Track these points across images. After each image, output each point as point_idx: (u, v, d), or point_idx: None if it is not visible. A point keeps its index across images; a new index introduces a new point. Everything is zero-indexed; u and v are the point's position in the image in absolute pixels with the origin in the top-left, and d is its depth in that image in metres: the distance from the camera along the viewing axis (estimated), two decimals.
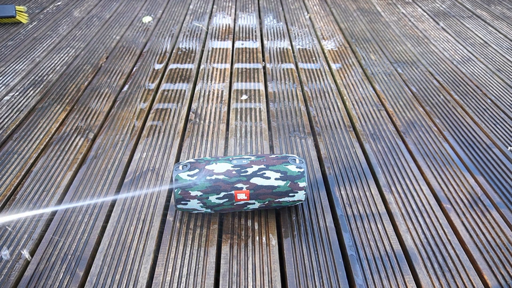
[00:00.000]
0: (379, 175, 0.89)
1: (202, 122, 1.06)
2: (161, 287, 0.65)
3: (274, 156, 0.75)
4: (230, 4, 1.90)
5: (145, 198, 0.82)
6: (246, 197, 0.71)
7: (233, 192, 0.70)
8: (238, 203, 0.72)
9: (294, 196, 0.73)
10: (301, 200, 0.75)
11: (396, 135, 1.02)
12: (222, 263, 0.69)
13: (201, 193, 0.70)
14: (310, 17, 1.77)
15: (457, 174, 0.89)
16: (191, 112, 1.11)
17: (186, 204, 0.72)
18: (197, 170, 0.71)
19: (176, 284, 0.65)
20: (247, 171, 0.71)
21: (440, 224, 0.77)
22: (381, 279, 0.67)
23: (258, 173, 0.71)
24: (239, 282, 0.66)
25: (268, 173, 0.72)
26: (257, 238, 0.74)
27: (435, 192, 0.85)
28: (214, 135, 1.01)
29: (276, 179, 0.72)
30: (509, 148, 0.98)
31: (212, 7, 1.87)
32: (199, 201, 0.71)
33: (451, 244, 0.73)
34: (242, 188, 0.71)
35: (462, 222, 0.78)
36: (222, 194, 0.70)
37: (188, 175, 0.71)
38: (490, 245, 0.73)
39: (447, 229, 0.76)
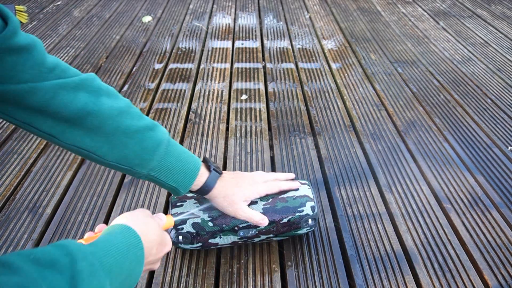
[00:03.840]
0: (379, 175, 0.89)
1: (202, 122, 1.06)
2: (161, 287, 0.65)
3: (286, 220, 0.65)
4: (230, 4, 1.90)
5: (145, 198, 0.82)
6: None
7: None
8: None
9: (298, 189, 0.68)
10: (310, 198, 0.68)
11: (396, 135, 1.02)
12: (222, 263, 0.69)
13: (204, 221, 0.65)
14: (310, 17, 1.77)
15: (457, 174, 0.89)
16: (191, 112, 1.11)
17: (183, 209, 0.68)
18: (200, 244, 0.66)
19: (176, 284, 0.65)
20: (254, 240, 0.68)
21: (440, 224, 0.77)
22: (381, 279, 0.67)
23: (265, 240, 0.69)
24: (239, 282, 0.66)
25: (275, 239, 0.69)
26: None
27: (435, 192, 0.85)
28: (214, 135, 1.01)
29: (282, 239, 0.71)
30: (509, 148, 0.97)
31: (212, 7, 1.87)
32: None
33: (451, 244, 0.73)
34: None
35: (462, 222, 0.78)
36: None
37: (190, 247, 0.66)
38: (490, 245, 0.73)
39: (447, 229, 0.76)
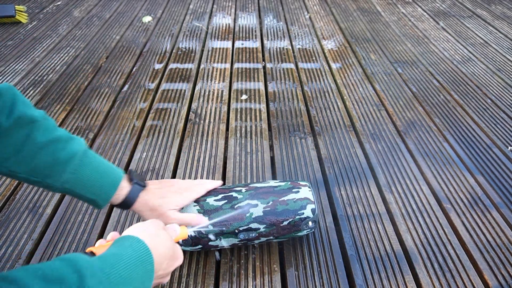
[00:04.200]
0: (379, 175, 0.89)
1: (202, 122, 1.06)
2: (161, 287, 0.65)
3: (287, 223, 0.65)
4: (230, 4, 1.90)
5: None
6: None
7: (231, 193, 0.66)
8: (240, 204, 0.66)
9: (298, 192, 0.67)
10: (310, 200, 0.67)
11: (396, 135, 1.02)
12: (222, 263, 0.69)
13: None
14: (310, 17, 1.77)
15: (457, 174, 0.89)
16: (191, 112, 1.11)
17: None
18: (200, 246, 0.66)
19: (176, 284, 0.65)
20: (254, 242, 0.67)
21: (440, 224, 0.77)
22: (381, 279, 0.67)
23: (266, 242, 0.69)
24: (239, 282, 0.66)
25: (275, 240, 0.69)
26: None
27: (435, 192, 0.85)
28: (214, 135, 1.01)
29: (275, 182, 0.69)
30: (509, 148, 0.97)
31: (212, 7, 1.87)
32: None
33: (451, 244, 0.73)
34: (240, 190, 0.67)
35: (462, 222, 0.78)
36: (220, 196, 0.66)
37: (190, 249, 0.67)
38: (490, 245, 0.73)
39: (447, 229, 0.76)
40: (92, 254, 0.40)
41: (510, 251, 0.72)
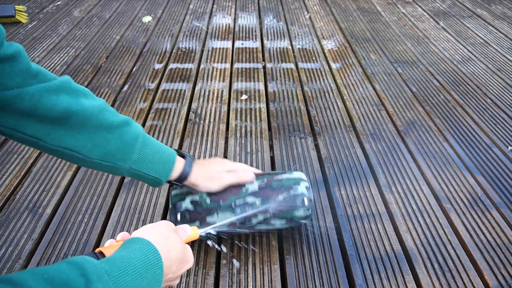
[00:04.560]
0: (379, 175, 0.89)
1: (202, 122, 1.06)
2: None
3: (282, 198, 0.66)
4: (230, 4, 1.90)
5: (145, 198, 0.82)
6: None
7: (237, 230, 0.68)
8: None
9: (292, 173, 0.71)
10: (303, 179, 0.69)
11: (396, 135, 1.02)
12: (222, 263, 0.69)
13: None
14: (310, 17, 1.77)
15: (457, 174, 0.89)
16: (191, 112, 1.10)
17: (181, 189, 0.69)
18: (198, 223, 0.66)
19: (176, 284, 0.65)
20: (251, 221, 0.67)
21: (440, 224, 0.77)
22: (381, 279, 0.67)
23: (263, 221, 0.68)
24: (239, 282, 0.66)
25: (273, 221, 0.68)
26: (257, 238, 0.74)
27: (435, 192, 0.85)
28: (214, 135, 1.01)
29: (280, 224, 0.68)
30: (509, 148, 0.97)
31: (212, 7, 1.87)
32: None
33: (451, 244, 0.73)
34: (246, 231, 0.70)
35: (462, 222, 0.78)
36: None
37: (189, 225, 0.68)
38: (491, 245, 0.73)
39: (447, 229, 0.76)
40: (102, 254, 0.40)
41: (510, 251, 0.72)
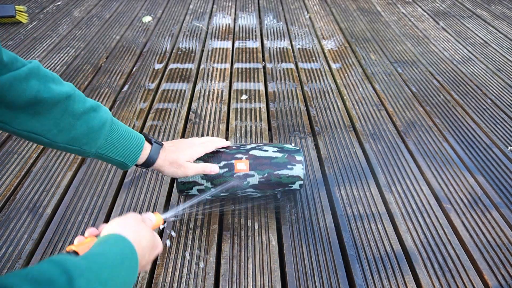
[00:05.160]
0: (379, 175, 0.89)
1: (202, 122, 1.06)
2: (161, 287, 0.65)
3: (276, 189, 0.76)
4: (230, 4, 1.90)
5: (145, 198, 0.82)
6: (245, 167, 0.72)
7: (233, 161, 0.72)
8: (238, 174, 0.72)
9: (292, 169, 0.73)
10: (300, 178, 0.74)
11: (396, 135, 1.02)
12: (222, 263, 0.69)
13: (202, 161, 0.72)
14: (310, 17, 1.77)
15: (457, 174, 0.89)
16: (191, 112, 1.11)
17: (188, 178, 0.73)
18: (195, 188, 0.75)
19: (176, 284, 0.65)
20: (246, 147, 0.76)
21: (440, 224, 0.77)
22: (381, 279, 0.67)
23: (256, 147, 0.75)
24: (239, 282, 0.66)
25: (265, 147, 0.76)
26: (257, 238, 0.74)
27: (435, 192, 0.85)
28: (214, 135, 1.01)
29: (273, 151, 0.75)
30: (509, 148, 0.98)
31: (212, 7, 1.87)
32: (199, 186, 0.74)
33: (451, 244, 0.73)
34: (241, 158, 0.73)
35: (462, 222, 0.78)
36: (222, 163, 0.72)
37: (185, 194, 0.76)
38: (490, 245, 0.73)
39: (447, 229, 0.76)
40: (75, 252, 0.41)
41: (510, 251, 0.72)
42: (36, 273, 0.31)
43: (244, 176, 0.72)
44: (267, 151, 0.75)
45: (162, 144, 0.66)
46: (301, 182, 0.74)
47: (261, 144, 0.77)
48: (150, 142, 0.64)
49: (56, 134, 0.53)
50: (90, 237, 0.45)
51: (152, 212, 0.62)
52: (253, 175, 0.72)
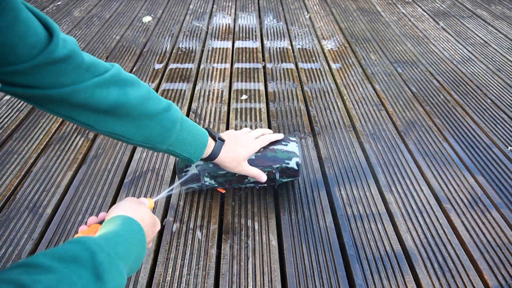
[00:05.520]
0: (379, 175, 0.89)
1: (202, 122, 1.06)
2: (161, 287, 0.65)
3: (273, 167, 0.78)
4: (230, 4, 1.90)
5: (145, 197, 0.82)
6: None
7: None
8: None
9: (287, 145, 0.78)
10: (296, 155, 0.77)
11: (396, 135, 1.02)
12: (222, 263, 0.69)
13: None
14: (310, 17, 1.77)
15: (457, 174, 0.89)
16: (191, 112, 1.11)
17: (188, 171, 0.76)
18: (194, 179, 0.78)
19: (176, 284, 0.65)
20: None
21: (440, 224, 0.77)
22: (381, 279, 0.67)
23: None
24: (239, 282, 0.66)
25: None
26: (257, 238, 0.74)
27: (435, 192, 0.85)
28: None
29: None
30: (509, 148, 0.98)
31: (212, 7, 1.87)
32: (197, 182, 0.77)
33: (451, 244, 0.73)
34: None
35: (462, 222, 0.78)
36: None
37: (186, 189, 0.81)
38: (490, 245, 0.73)
39: (447, 229, 0.76)
40: None
41: (510, 251, 0.72)
42: (62, 252, 0.35)
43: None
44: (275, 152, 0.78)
45: (224, 140, 0.71)
46: (298, 160, 0.77)
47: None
48: (214, 138, 0.69)
49: (134, 133, 0.57)
50: (93, 224, 0.50)
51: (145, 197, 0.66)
52: (251, 157, 0.76)
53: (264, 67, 1.35)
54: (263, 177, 0.75)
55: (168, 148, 0.62)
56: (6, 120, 1.06)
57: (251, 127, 1.04)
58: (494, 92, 1.20)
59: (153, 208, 0.76)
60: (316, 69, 1.34)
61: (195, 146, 0.65)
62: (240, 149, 0.72)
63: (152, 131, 0.59)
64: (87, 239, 0.38)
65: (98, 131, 0.55)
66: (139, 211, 0.50)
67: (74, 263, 0.34)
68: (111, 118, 0.54)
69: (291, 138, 0.80)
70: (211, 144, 0.68)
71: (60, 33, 0.45)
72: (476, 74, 1.30)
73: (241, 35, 1.59)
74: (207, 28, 1.64)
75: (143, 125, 0.57)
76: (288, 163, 0.77)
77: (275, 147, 0.77)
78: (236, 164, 0.71)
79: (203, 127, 1.04)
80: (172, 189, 0.81)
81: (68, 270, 0.33)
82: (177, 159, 0.76)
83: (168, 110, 0.60)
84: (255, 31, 1.62)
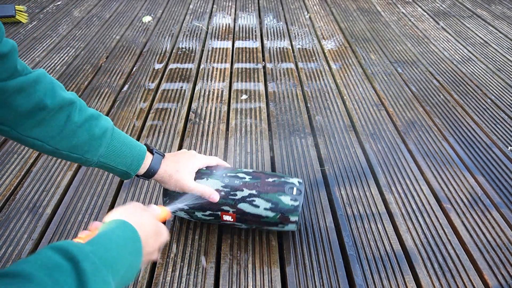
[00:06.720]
0: (379, 175, 0.89)
1: (202, 122, 1.06)
2: (161, 287, 0.65)
3: (271, 180, 0.68)
4: (230, 4, 1.90)
5: (145, 198, 0.82)
6: (232, 219, 0.69)
7: (219, 213, 0.68)
8: (225, 222, 0.70)
9: (283, 227, 0.68)
10: (294, 230, 0.70)
11: (396, 135, 1.02)
12: (222, 263, 0.69)
13: (187, 207, 0.68)
14: (310, 17, 1.77)
15: (457, 174, 0.89)
16: (191, 112, 1.11)
17: (175, 212, 0.72)
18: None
19: (176, 284, 0.65)
20: (236, 195, 0.66)
21: (440, 224, 0.77)
22: (381, 279, 0.67)
23: (247, 199, 0.66)
24: (239, 282, 0.66)
25: (257, 201, 0.66)
26: (257, 238, 0.74)
27: (435, 192, 0.85)
28: (214, 135, 1.01)
29: (265, 209, 0.66)
30: (509, 148, 0.97)
31: (212, 7, 1.87)
32: (185, 213, 0.71)
33: (451, 244, 0.73)
34: (228, 211, 0.67)
35: (462, 222, 0.78)
36: (208, 212, 0.68)
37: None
38: (490, 245, 0.73)
39: (447, 229, 0.76)
40: None
41: (510, 251, 0.72)
42: (44, 259, 0.33)
43: (231, 223, 0.70)
44: (258, 207, 0.66)
45: (164, 154, 0.66)
46: (298, 186, 0.68)
47: (254, 192, 0.66)
48: (151, 152, 0.64)
49: (59, 141, 0.53)
50: (94, 230, 0.47)
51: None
52: (240, 225, 0.70)
53: (264, 67, 1.35)
54: (213, 195, 0.66)
55: (99, 160, 0.57)
56: None
57: (251, 127, 1.04)
58: (494, 92, 1.20)
59: (169, 218, 0.70)
60: (316, 69, 1.34)
61: (131, 158, 0.59)
62: (181, 164, 0.66)
63: (79, 139, 0.54)
64: (71, 245, 0.35)
65: (18, 136, 0.51)
66: (140, 217, 0.47)
67: (56, 271, 0.32)
68: (34, 121, 0.51)
69: (291, 219, 0.67)
70: (148, 157, 0.62)
71: (3, 33, 0.45)
72: (476, 74, 1.30)
73: (241, 35, 1.59)
74: (207, 28, 1.64)
75: (69, 132, 0.53)
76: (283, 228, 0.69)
77: (269, 228, 0.69)
78: (175, 181, 0.64)
79: (203, 127, 1.04)
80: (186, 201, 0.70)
81: (49, 279, 0.31)
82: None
83: (97, 118, 0.57)
84: (255, 31, 1.62)
